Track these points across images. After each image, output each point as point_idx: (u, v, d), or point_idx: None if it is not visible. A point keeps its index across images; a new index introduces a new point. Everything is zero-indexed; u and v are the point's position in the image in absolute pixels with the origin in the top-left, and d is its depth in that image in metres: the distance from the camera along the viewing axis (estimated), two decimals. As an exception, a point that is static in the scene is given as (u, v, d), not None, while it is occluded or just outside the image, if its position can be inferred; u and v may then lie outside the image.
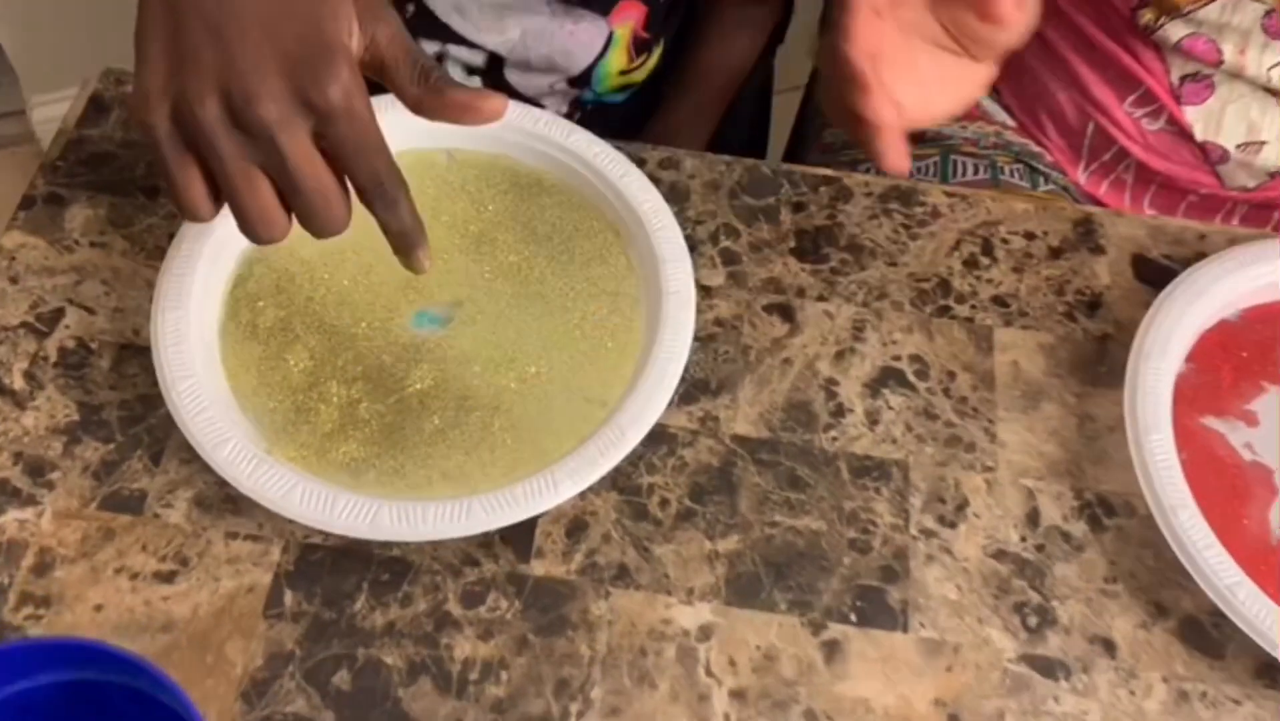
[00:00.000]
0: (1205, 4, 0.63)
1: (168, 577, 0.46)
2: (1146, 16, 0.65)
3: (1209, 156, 0.70)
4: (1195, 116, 0.69)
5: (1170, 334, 0.52)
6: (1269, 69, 0.65)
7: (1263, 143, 0.69)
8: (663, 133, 0.83)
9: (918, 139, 0.81)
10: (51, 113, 1.51)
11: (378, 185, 0.40)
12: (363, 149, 0.40)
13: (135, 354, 0.51)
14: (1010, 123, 0.78)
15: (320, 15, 0.40)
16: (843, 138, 0.84)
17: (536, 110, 0.57)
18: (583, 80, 0.80)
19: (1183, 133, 0.70)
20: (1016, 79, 0.75)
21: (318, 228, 0.41)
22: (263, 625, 0.45)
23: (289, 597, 0.46)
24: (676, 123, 0.84)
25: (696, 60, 0.85)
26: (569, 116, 0.81)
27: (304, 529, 0.47)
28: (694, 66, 0.85)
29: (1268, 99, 0.67)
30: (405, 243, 0.42)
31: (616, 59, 0.80)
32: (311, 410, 0.49)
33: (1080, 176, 0.75)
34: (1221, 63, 0.65)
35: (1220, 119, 0.69)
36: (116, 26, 0.66)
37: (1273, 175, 0.71)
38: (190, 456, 0.47)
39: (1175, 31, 0.65)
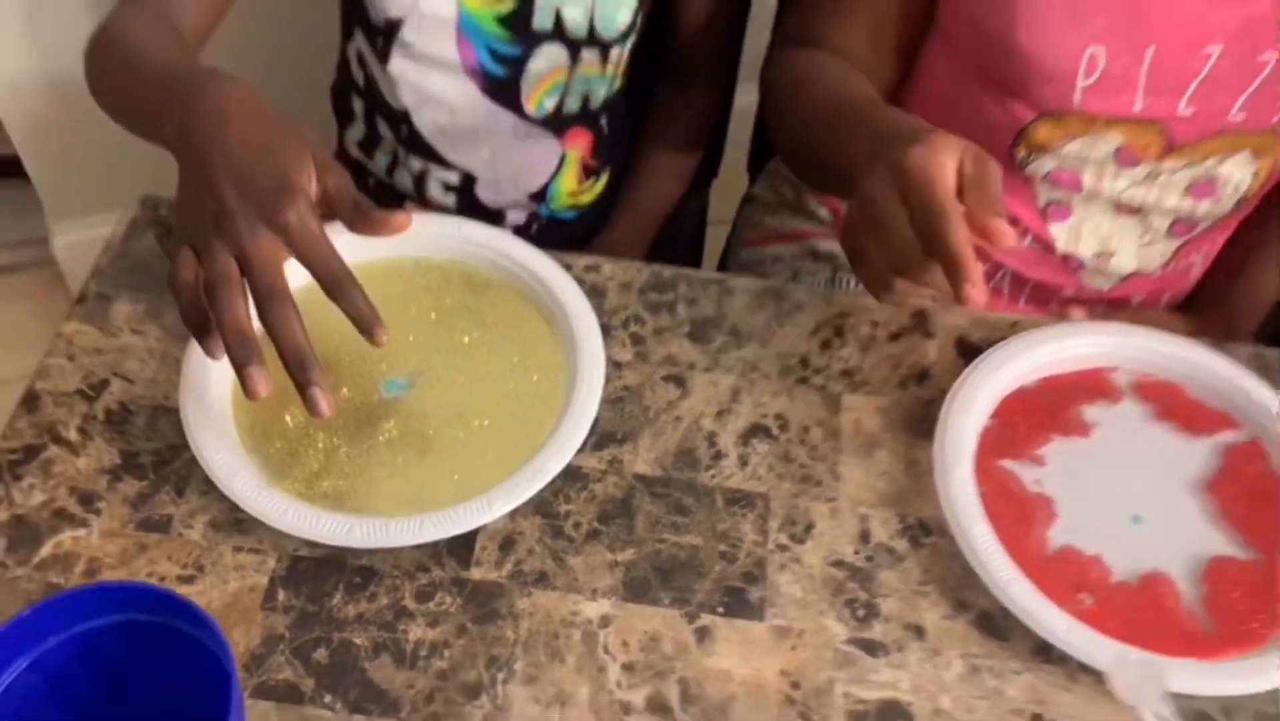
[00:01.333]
0: (1069, 141, 0.79)
1: (188, 580, 0.59)
2: (1020, 153, 0.80)
3: (1069, 265, 0.86)
4: (1058, 233, 0.84)
5: (974, 397, 0.67)
6: (1120, 192, 0.81)
7: (1113, 252, 0.85)
8: (605, 249, 0.99)
9: (813, 255, 0.97)
10: (70, 239, 1.66)
11: (332, 279, 0.55)
12: (315, 255, 0.55)
13: (166, 414, 0.65)
14: None
15: (287, 167, 0.56)
16: (755, 256, 1.00)
17: (488, 226, 0.73)
18: (540, 197, 0.97)
19: (1048, 247, 0.85)
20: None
21: (278, 326, 0.54)
22: (261, 615, 0.58)
23: (281, 595, 0.59)
24: (617, 241, 1.00)
25: (633, 190, 1.02)
26: (527, 228, 0.98)
27: (294, 542, 0.60)
28: (631, 196, 1.02)
29: (1117, 216, 0.83)
30: (363, 324, 0.57)
31: (568, 180, 0.97)
32: (302, 453, 0.63)
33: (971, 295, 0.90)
34: (1081, 190, 0.82)
35: (1079, 234, 0.84)
36: (138, 159, 0.81)
37: (1124, 278, 0.87)
38: (207, 489, 0.61)
39: (1044, 165, 0.81)
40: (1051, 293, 0.88)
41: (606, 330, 0.69)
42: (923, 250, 0.58)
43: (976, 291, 0.56)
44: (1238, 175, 0.80)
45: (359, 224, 0.60)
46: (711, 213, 1.17)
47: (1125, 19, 0.72)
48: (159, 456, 0.64)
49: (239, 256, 0.55)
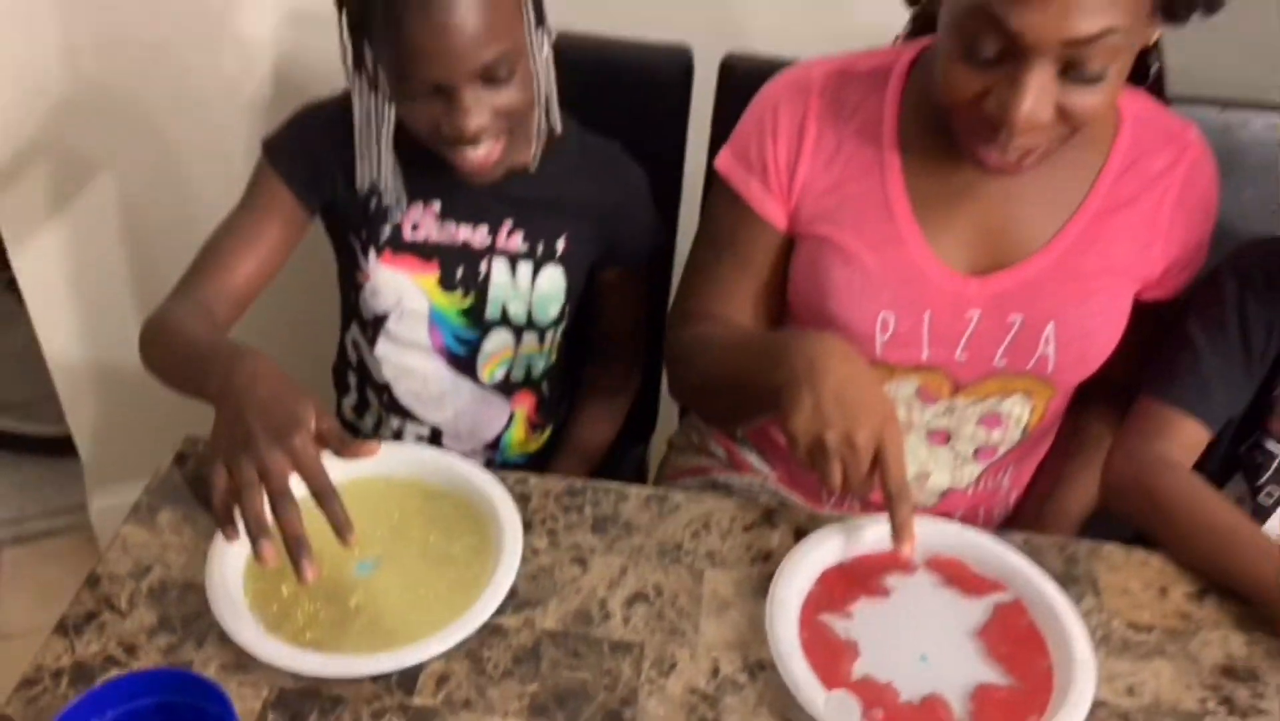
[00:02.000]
0: (883, 384, 1.04)
1: (201, 706, 0.79)
2: None
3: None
4: None
5: (797, 570, 0.88)
6: (928, 422, 1.06)
7: (929, 473, 1.09)
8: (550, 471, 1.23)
9: (712, 486, 1.21)
10: (108, 503, 1.90)
11: (320, 491, 0.79)
12: (310, 472, 0.79)
13: (194, 589, 0.87)
14: (770, 472, 1.18)
15: (296, 409, 0.81)
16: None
17: (443, 451, 0.98)
18: (495, 446, 1.22)
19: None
20: (776, 450, 1.16)
21: (284, 518, 0.78)
22: (254, 729, 0.78)
23: (271, 716, 0.79)
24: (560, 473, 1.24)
25: (571, 435, 1.27)
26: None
27: (283, 676, 0.81)
28: (570, 439, 1.27)
29: (930, 443, 1.08)
30: (338, 528, 0.80)
31: (518, 432, 1.22)
32: (292, 615, 0.85)
33: (825, 507, 1.13)
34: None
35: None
36: (178, 425, 1.06)
37: (942, 495, 1.10)
38: (221, 641, 0.82)
39: None
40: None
41: (529, 525, 0.92)
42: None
43: (910, 552, 0.85)
44: (1017, 411, 1.05)
45: (343, 452, 0.85)
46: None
47: (906, 291, 0.99)
48: (187, 619, 0.85)
49: (259, 468, 0.79)
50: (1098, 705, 0.81)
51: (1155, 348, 1.03)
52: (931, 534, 0.93)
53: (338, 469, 0.82)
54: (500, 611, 0.85)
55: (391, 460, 0.96)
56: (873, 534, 0.92)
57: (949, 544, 0.92)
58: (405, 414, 1.19)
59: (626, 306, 1.23)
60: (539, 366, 1.20)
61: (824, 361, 0.87)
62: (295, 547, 0.77)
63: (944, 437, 1.07)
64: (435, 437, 1.20)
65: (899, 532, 0.85)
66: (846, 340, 1.00)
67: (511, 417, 1.21)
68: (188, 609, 0.86)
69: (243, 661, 0.82)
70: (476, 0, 0.91)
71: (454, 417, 1.19)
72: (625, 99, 1.30)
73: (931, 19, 0.93)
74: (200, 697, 0.67)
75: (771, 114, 1.03)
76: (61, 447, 1.88)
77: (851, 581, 0.90)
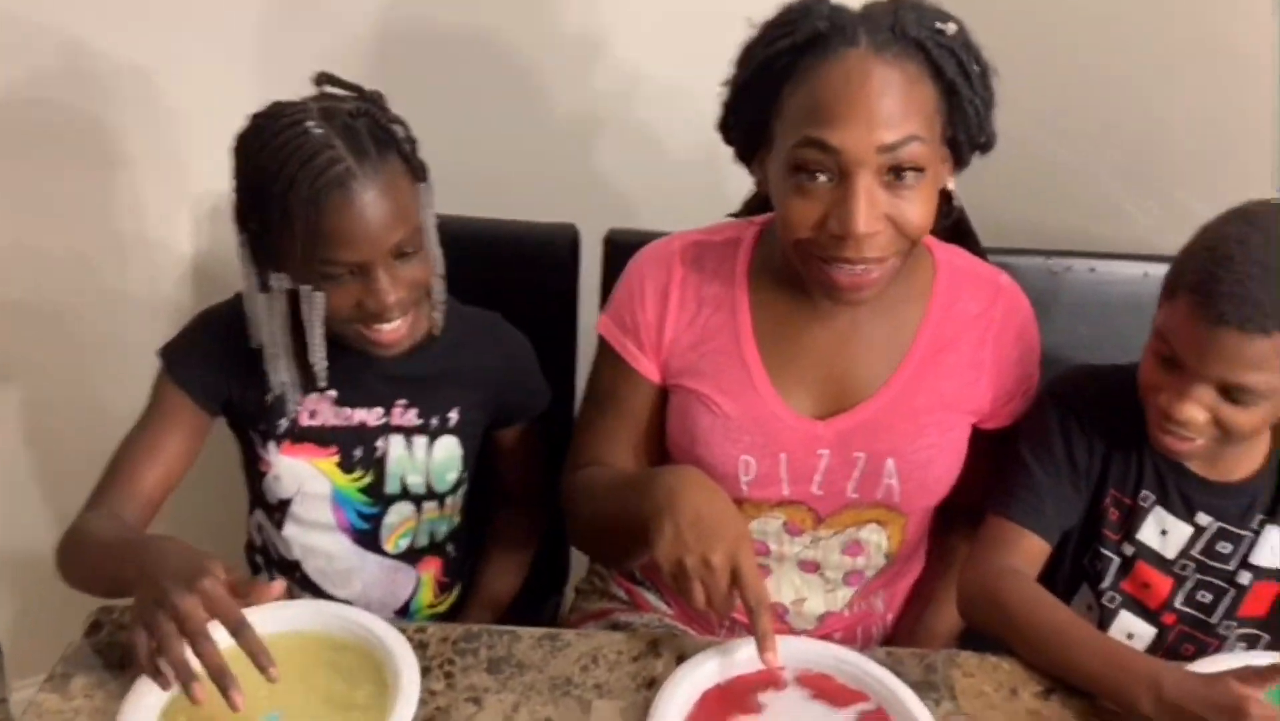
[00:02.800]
0: (752, 520, 1.13)
1: None
2: None
3: (777, 612, 1.18)
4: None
5: (675, 692, 0.95)
6: (798, 554, 1.15)
7: (805, 599, 1.17)
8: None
9: (614, 626, 1.27)
10: (26, 695, 1.88)
11: (235, 626, 0.86)
12: (222, 609, 0.86)
13: (103, 750, 0.91)
14: (668, 610, 1.25)
15: (202, 560, 0.89)
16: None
17: (346, 607, 1.04)
18: (403, 612, 1.28)
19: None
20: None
21: (205, 655, 0.85)
22: None
23: None
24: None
25: (478, 586, 1.33)
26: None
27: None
28: (477, 589, 1.33)
29: (803, 572, 1.16)
30: (257, 659, 0.86)
31: (426, 596, 1.29)
32: (199, 766, 0.89)
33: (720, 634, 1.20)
34: (770, 553, 1.15)
35: (779, 587, 1.17)
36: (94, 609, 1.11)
37: (819, 619, 1.18)
38: (128, 795, 0.86)
39: None
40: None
41: (426, 670, 0.98)
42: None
43: (774, 659, 0.93)
44: (875, 538, 1.15)
45: (249, 594, 0.92)
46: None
47: (762, 436, 1.10)
48: (95, 778, 0.89)
49: (175, 616, 0.86)
50: (954, 800, 0.88)
51: (999, 470, 1.14)
52: (802, 651, 1.01)
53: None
54: (397, 752, 0.90)
55: (299, 616, 1.02)
56: (746, 653, 1.00)
57: (816, 659, 1.00)
58: (316, 590, 1.25)
59: (524, 462, 1.32)
60: (442, 530, 1.27)
61: (681, 491, 0.96)
62: (221, 680, 0.84)
63: (814, 566, 1.16)
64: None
65: (761, 642, 0.93)
66: (715, 480, 1.11)
67: (419, 582, 1.28)
68: (97, 768, 0.90)
69: (149, 814, 0.85)
70: (385, 186, 1.04)
71: (362, 590, 1.25)
72: (519, 275, 1.43)
73: (765, 199, 1.07)
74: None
75: (639, 282, 1.16)
76: (-21, 642, 1.87)
77: (728, 701, 0.96)
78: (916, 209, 0.99)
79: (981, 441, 1.15)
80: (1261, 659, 0.97)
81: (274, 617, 1.01)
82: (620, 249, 1.38)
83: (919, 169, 0.97)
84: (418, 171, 1.09)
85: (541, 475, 1.35)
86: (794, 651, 1.01)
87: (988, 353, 1.13)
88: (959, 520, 1.22)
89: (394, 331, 1.10)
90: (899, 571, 1.21)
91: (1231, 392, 0.98)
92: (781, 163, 1.01)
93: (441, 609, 1.32)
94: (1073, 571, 1.16)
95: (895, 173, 0.97)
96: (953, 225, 1.17)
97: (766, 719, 0.95)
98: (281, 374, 1.13)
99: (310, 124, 1.02)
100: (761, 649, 0.93)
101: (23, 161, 1.48)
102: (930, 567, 1.25)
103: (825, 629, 1.18)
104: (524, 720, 0.95)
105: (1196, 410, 0.99)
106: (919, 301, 1.12)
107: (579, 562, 1.50)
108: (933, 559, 1.25)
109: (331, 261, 1.04)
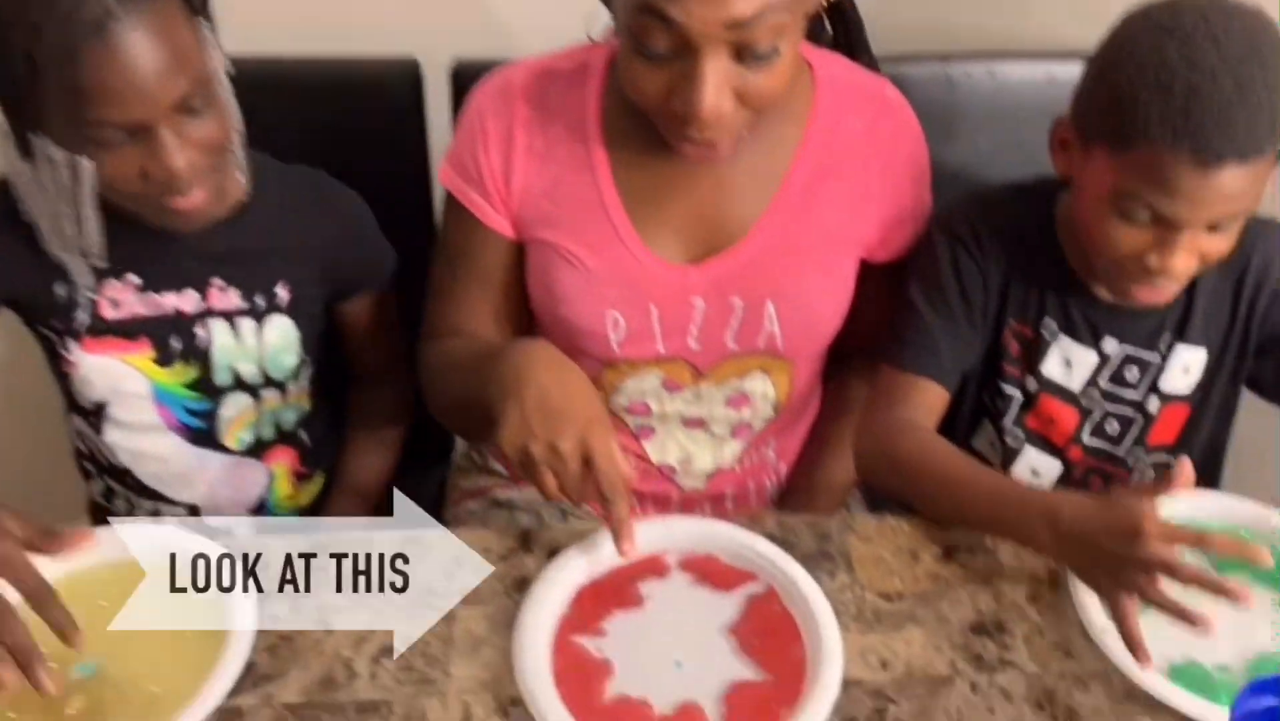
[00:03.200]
0: (625, 380, 1.02)
1: None
2: (604, 394, 1.03)
3: (664, 473, 1.09)
4: (649, 449, 1.08)
5: (549, 592, 0.86)
6: (680, 411, 1.05)
7: (692, 457, 1.08)
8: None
9: (494, 503, 1.17)
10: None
11: (32, 593, 0.74)
12: (19, 577, 0.74)
13: (-108, 724, 0.80)
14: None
15: None
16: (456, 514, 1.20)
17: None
18: (261, 508, 1.16)
19: (646, 461, 1.08)
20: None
21: (4, 633, 0.73)
22: None
23: None
24: (335, 516, 1.18)
25: (341, 471, 1.22)
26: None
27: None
28: (340, 475, 1.21)
29: (688, 429, 1.06)
30: (61, 631, 0.75)
31: (282, 489, 1.17)
32: (8, 728, 0.78)
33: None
34: (652, 413, 1.05)
35: (664, 447, 1.08)
36: None
37: (709, 476, 1.09)
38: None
39: (620, 400, 1.04)
40: (663, 501, 1.10)
41: (265, 591, 0.87)
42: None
43: (630, 547, 0.83)
44: (760, 388, 1.05)
45: (50, 549, 0.80)
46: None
47: (629, 289, 0.98)
48: (-116, 760, 0.78)
49: None
50: (851, 684, 0.82)
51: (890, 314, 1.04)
52: (684, 533, 0.92)
53: (53, 566, 0.79)
54: (235, 692, 0.80)
55: (111, 546, 0.89)
56: (641, 535, 0.90)
57: (700, 540, 0.91)
58: (155, 495, 1.12)
59: (377, 335, 1.18)
60: (290, 419, 1.14)
61: (527, 372, 0.85)
62: (27, 661, 0.73)
63: (699, 422, 1.06)
64: (195, 513, 1.13)
65: (617, 531, 0.84)
66: (582, 340, 0.99)
67: (271, 476, 1.15)
68: (-113, 748, 0.79)
69: (-52, 797, 0.75)
70: (157, 26, 0.86)
71: (208, 492, 1.12)
72: (356, 120, 1.26)
73: None
74: None
75: (479, 123, 1.00)
76: None
77: (605, 596, 0.88)
78: (772, 81, 0.85)
79: (872, 276, 1.04)
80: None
81: (91, 548, 0.89)
82: (472, 82, 1.21)
83: (776, 47, 0.83)
84: (195, 4, 0.90)
85: (400, 346, 1.21)
86: (676, 533, 0.92)
87: (874, 177, 1.00)
88: (854, 360, 1.12)
89: (192, 203, 0.94)
90: (790, 421, 1.12)
91: (1219, 225, 0.88)
92: (621, 24, 0.85)
93: (303, 501, 1.20)
94: (974, 409, 1.08)
95: (747, 47, 0.82)
96: (841, 35, 1.03)
97: (647, 613, 0.87)
98: (65, 259, 0.97)
99: None
100: (617, 538, 0.84)
101: None
102: (824, 412, 1.16)
103: (715, 486, 1.10)
104: (380, 638, 0.86)
105: (1190, 258, 0.89)
106: (795, 123, 0.98)
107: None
108: (827, 403, 1.16)
109: (100, 123, 0.87)
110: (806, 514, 1.05)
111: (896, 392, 0.99)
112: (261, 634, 0.84)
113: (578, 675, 0.82)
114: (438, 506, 1.36)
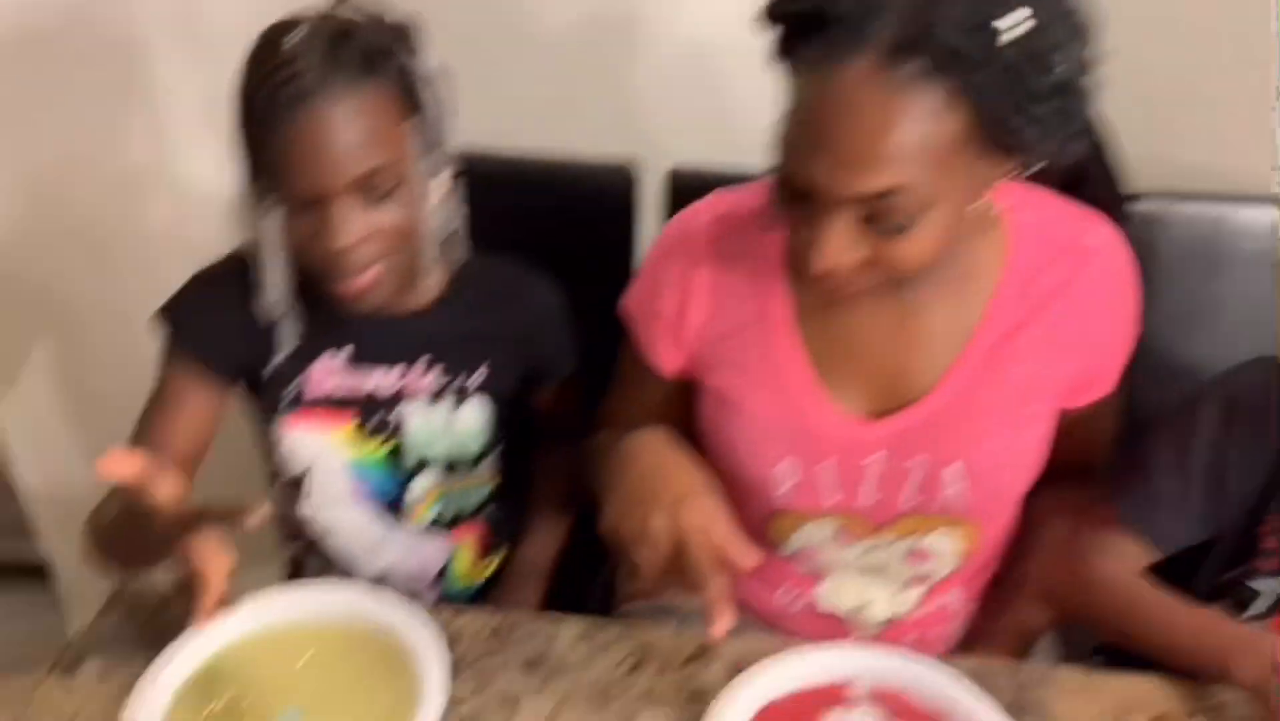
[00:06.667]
0: (799, 529, 0.99)
1: None
2: (774, 539, 1.01)
3: (834, 621, 1.05)
4: (820, 594, 1.04)
5: (729, 710, 0.85)
6: (856, 559, 1.01)
7: (868, 604, 1.04)
8: (499, 597, 1.18)
9: (661, 612, 1.16)
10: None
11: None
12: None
13: (106, 748, 0.85)
14: None
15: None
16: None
17: (367, 591, 0.95)
18: (439, 580, 1.18)
19: (814, 607, 1.04)
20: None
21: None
22: None
23: None
24: (505, 598, 1.18)
25: (516, 560, 1.22)
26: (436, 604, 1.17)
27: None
28: (515, 565, 1.21)
29: (864, 575, 1.02)
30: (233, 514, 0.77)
31: (462, 565, 1.19)
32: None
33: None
34: (822, 560, 1.02)
35: (838, 592, 1.04)
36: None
37: (883, 625, 1.05)
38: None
39: (792, 546, 1.01)
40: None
41: (456, 668, 0.89)
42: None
43: (720, 632, 0.80)
44: (942, 544, 0.99)
45: (235, 522, 0.78)
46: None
47: (803, 441, 0.95)
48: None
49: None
50: None
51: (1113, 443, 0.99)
52: (874, 663, 0.89)
53: (256, 614, 0.86)
54: (419, 765, 0.82)
55: (321, 603, 0.94)
56: (813, 664, 0.89)
57: (892, 675, 0.88)
58: (344, 566, 1.16)
59: (565, 419, 1.21)
60: (473, 500, 1.16)
61: (631, 456, 0.85)
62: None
63: (878, 570, 1.03)
64: (380, 584, 1.17)
65: (709, 613, 0.81)
66: (749, 488, 0.97)
67: (453, 553, 1.18)
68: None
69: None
70: (358, 109, 0.89)
71: (392, 565, 1.16)
72: (567, 220, 1.30)
73: None
74: None
75: (663, 263, 1.00)
76: (39, 573, 1.88)
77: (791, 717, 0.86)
78: (908, 251, 0.80)
79: (1077, 413, 0.97)
80: None
81: (294, 604, 0.93)
82: (687, 190, 1.24)
83: (912, 219, 0.78)
84: (415, 103, 0.94)
85: (581, 434, 1.23)
86: (868, 663, 0.89)
87: (1072, 327, 0.93)
88: (1053, 495, 1.04)
89: (356, 284, 0.94)
90: (977, 571, 1.06)
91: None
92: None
93: (483, 576, 1.22)
94: (1209, 589, 0.98)
95: (879, 218, 0.79)
96: (1072, 171, 0.98)
97: (831, 745, 0.84)
98: (286, 326, 1.02)
99: (289, 36, 0.89)
100: (708, 620, 0.81)
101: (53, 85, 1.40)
102: (1017, 549, 1.08)
103: (891, 634, 1.05)
104: (560, 730, 0.86)
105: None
106: (987, 277, 0.93)
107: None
108: (1021, 539, 1.08)
109: (280, 188, 0.91)
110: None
111: (1103, 539, 0.94)
112: (449, 710, 0.86)
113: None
114: (606, 601, 1.37)
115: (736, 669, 0.90)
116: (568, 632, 0.94)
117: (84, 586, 1.82)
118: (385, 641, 0.92)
